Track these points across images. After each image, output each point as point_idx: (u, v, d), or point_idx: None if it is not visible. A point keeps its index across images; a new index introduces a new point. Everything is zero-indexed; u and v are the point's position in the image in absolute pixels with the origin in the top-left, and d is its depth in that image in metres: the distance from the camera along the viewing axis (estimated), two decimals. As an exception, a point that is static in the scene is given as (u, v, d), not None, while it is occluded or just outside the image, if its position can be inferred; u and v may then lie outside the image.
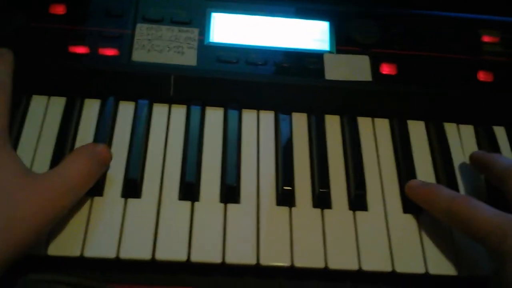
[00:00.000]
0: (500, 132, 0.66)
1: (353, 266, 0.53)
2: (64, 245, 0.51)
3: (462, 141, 0.65)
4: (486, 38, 0.67)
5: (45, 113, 0.60)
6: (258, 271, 0.54)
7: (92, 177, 0.52)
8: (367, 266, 0.54)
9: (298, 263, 0.53)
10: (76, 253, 0.51)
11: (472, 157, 0.61)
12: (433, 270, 0.54)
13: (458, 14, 0.70)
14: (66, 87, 0.61)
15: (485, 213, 0.50)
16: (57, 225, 0.51)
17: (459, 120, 0.66)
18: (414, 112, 0.65)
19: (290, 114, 0.63)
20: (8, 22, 0.61)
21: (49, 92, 0.61)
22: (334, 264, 0.53)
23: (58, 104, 0.61)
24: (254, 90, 0.63)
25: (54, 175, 0.49)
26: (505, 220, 0.49)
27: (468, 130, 0.66)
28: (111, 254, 0.51)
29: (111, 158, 0.54)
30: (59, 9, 0.63)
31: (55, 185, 0.48)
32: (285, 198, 0.56)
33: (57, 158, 0.56)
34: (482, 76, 0.65)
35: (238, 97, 0.63)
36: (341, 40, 0.66)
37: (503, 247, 0.47)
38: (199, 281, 0.53)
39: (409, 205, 0.58)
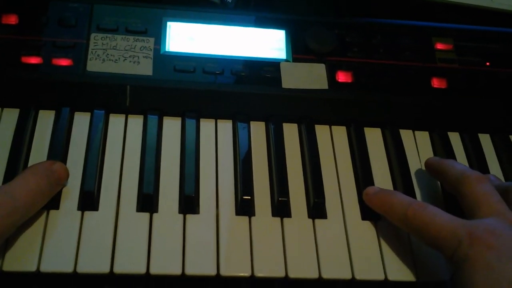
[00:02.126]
0: (454, 138, 0.67)
1: (313, 274, 0.54)
2: (19, 260, 0.50)
3: (418, 147, 0.66)
4: (439, 46, 0.69)
5: (-3, 125, 0.59)
6: (218, 282, 0.53)
7: (44, 197, 0.51)
8: (327, 274, 0.54)
9: (259, 273, 0.53)
10: (32, 268, 0.50)
11: (427, 163, 0.61)
12: (392, 277, 0.54)
13: (412, 22, 0.71)
14: (19, 98, 0.60)
15: (440, 219, 0.51)
16: (11, 239, 0.50)
17: (414, 127, 0.67)
18: (371, 119, 0.66)
19: (248, 123, 0.63)
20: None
21: (2, 103, 0.60)
22: (294, 273, 0.53)
23: (11, 115, 0.59)
24: (211, 99, 0.62)
25: (1, 192, 0.48)
26: (459, 226, 0.49)
27: (423, 136, 0.67)
28: (68, 268, 0.50)
29: (67, 176, 0.54)
30: (11, 19, 0.62)
31: (1, 203, 0.47)
32: (245, 207, 0.56)
33: (11, 171, 0.54)
34: (436, 82, 0.66)
35: (196, 107, 0.62)
36: (298, 49, 0.66)
37: (458, 253, 0.48)
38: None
39: (367, 212, 0.58)
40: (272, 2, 0.76)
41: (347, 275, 0.54)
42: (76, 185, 0.55)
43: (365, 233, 0.57)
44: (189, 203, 0.55)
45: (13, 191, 0.48)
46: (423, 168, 0.63)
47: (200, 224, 0.55)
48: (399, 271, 0.55)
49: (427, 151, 0.66)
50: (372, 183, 0.60)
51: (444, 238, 0.49)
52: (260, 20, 0.68)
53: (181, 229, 0.54)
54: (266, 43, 0.66)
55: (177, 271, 0.51)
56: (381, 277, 0.54)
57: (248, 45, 0.65)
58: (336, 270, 0.54)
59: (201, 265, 0.52)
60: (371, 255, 0.56)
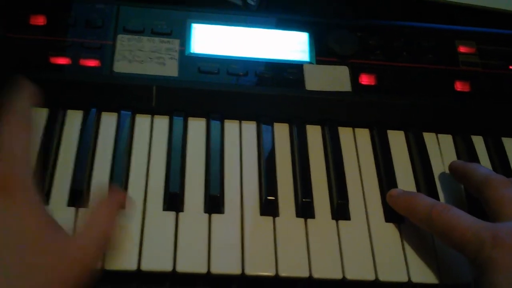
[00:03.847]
0: (478, 141, 0.67)
1: (337, 275, 0.54)
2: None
3: (441, 150, 0.66)
4: (462, 49, 0.69)
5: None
6: (243, 281, 0.54)
7: (115, 227, 0.50)
8: (350, 275, 0.54)
9: (283, 273, 0.53)
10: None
11: (451, 166, 0.62)
12: (415, 278, 0.55)
13: (435, 25, 0.71)
14: (48, 99, 0.60)
15: (463, 221, 0.51)
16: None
17: (438, 130, 0.67)
18: (394, 122, 0.66)
19: (272, 124, 0.64)
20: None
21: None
22: (318, 273, 0.53)
23: (40, 116, 0.60)
24: (235, 100, 0.63)
25: (76, 235, 0.48)
26: (483, 228, 0.49)
27: (447, 140, 0.67)
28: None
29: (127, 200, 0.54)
30: (40, 20, 0.63)
31: (77, 246, 0.46)
32: (269, 207, 0.57)
33: (40, 170, 0.55)
34: (459, 86, 0.67)
35: (220, 108, 0.63)
36: (321, 51, 0.67)
37: (481, 255, 0.48)
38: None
39: (391, 214, 0.58)
40: (294, 4, 0.76)
41: (371, 277, 0.54)
42: (104, 184, 0.56)
43: (388, 235, 0.57)
44: (214, 203, 0.56)
45: (90, 235, 0.47)
46: (447, 171, 0.63)
47: (225, 224, 0.55)
48: (423, 273, 0.55)
49: (450, 155, 0.66)
50: (396, 186, 0.61)
51: (468, 240, 0.50)
52: (283, 22, 0.68)
53: (206, 228, 0.55)
54: (290, 45, 0.67)
55: (203, 269, 0.52)
56: (404, 279, 0.54)
57: (272, 47, 0.66)
58: (359, 271, 0.54)
59: (226, 264, 0.53)
60: (395, 257, 0.56)
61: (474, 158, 0.64)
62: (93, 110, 0.61)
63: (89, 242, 0.47)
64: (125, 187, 0.56)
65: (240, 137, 0.63)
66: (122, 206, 0.52)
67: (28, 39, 0.61)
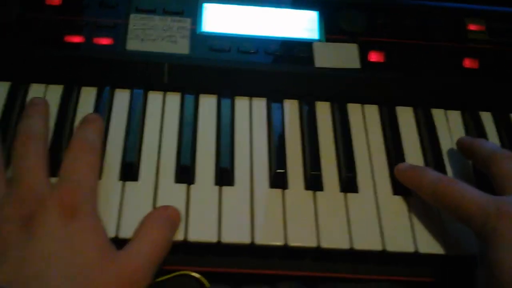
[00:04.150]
0: (486, 117, 0.68)
1: (345, 245, 0.55)
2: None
3: (449, 126, 0.66)
4: (471, 27, 0.69)
5: (43, 100, 0.61)
6: (252, 251, 0.55)
7: (169, 245, 0.51)
8: (358, 245, 0.55)
9: (292, 243, 0.54)
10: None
11: (458, 142, 0.62)
12: (422, 249, 0.55)
13: (445, 3, 0.72)
14: (63, 76, 0.62)
15: (469, 194, 0.52)
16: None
17: (446, 106, 0.68)
18: (403, 98, 0.67)
19: (281, 101, 0.65)
20: (4, 13, 0.62)
21: (47, 80, 0.63)
22: (326, 243, 0.55)
23: (56, 92, 0.62)
24: (246, 77, 0.64)
25: (129, 256, 0.48)
26: (489, 201, 0.50)
27: (455, 116, 0.67)
28: (111, 233, 0.52)
29: (180, 218, 0.54)
30: (55, 0, 0.64)
31: (132, 267, 0.47)
32: (278, 180, 0.58)
33: (55, 146, 0.57)
34: (468, 63, 0.67)
35: (231, 85, 0.64)
36: (330, 29, 0.67)
37: (486, 227, 0.49)
38: (197, 262, 0.55)
39: (398, 187, 0.59)
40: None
41: (378, 247, 0.55)
42: (118, 157, 0.58)
43: (396, 207, 0.58)
44: (224, 175, 0.57)
45: (140, 250, 0.48)
46: (455, 147, 0.63)
47: (235, 196, 0.57)
48: (429, 244, 0.56)
49: (458, 131, 0.66)
50: (404, 160, 0.61)
51: (473, 213, 0.50)
52: (293, 1, 0.69)
53: (217, 200, 0.56)
54: (299, 23, 0.68)
55: (213, 239, 0.53)
56: (411, 249, 0.55)
57: (282, 26, 0.67)
58: (367, 242, 0.55)
59: (236, 233, 0.54)
60: (402, 228, 0.57)
61: (482, 134, 0.65)
62: (107, 87, 0.62)
63: (143, 260, 0.48)
64: (138, 160, 0.58)
65: (250, 113, 0.64)
66: (173, 219, 0.53)
67: (44, 18, 0.63)
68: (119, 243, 0.49)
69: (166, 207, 0.54)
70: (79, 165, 0.50)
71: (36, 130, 0.53)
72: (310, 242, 0.55)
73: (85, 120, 0.55)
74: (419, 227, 0.57)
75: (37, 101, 0.57)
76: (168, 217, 0.52)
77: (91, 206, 0.49)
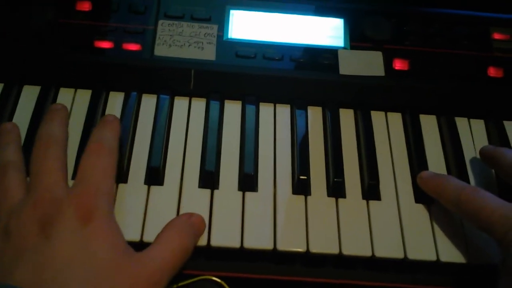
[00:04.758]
0: (510, 126, 0.67)
1: (366, 252, 0.55)
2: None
3: (473, 135, 0.67)
4: (496, 36, 0.69)
5: (72, 104, 0.63)
6: (274, 257, 0.56)
7: (189, 253, 0.51)
8: (379, 253, 0.55)
9: (313, 249, 0.55)
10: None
11: (481, 151, 0.62)
12: (444, 258, 0.56)
13: (470, 12, 0.72)
14: (91, 81, 0.64)
15: (492, 203, 0.52)
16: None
17: (470, 115, 0.68)
18: (426, 107, 0.67)
19: (305, 108, 0.65)
20: (36, 18, 0.64)
21: (76, 85, 0.64)
22: (347, 250, 0.55)
23: (84, 96, 0.63)
24: (271, 84, 0.65)
25: (148, 259, 0.48)
26: (510, 210, 0.50)
27: (479, 125, 0.68)
28: (135, 236, 0.53)
29: (205, 226, 0.55)
30: (85, 6, 0.66)
31: (149, 271, 0.47)
32: (301, 186, 0.58)
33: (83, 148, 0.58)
34: (492, 71, 0.67)
35: (256, 91, 0.65)
36: (355, 37, 0.68)
37: (507, 236, 0.49)
38: (218, 267, 0.55)
39: (420, 195, 0.60)
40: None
41: (400, 255, 0.56)
42: (143, 161, 0.59)
43: (418, 215, 0.59)
44: (248, 181, 0.58)
45: (158, 256, 0.49)
46: (478, 156, 0.63)
47: (258, 201, 0.57)
48: (451, 253, 0.56)
49: (482, 139, 0.66)
50: (426, 168, 0.62)
51: (495, 222, 0.50)
52: (319, 8, 0.70)
53: (240, 205, 0.57)
54: (324, 31, 0.68)
55: (236, 244, 0.54)
56: (433, 258, 0.56)
57: (307, 33, 0.68)
58: (389, 249, 0.56)
59: (258, 239, 0.55)
60: (424, 236, 0.57)
61: (506, 143, 0.65)
62: (134, 92, 0.64)
63: (161, 265, 0.48)
64: (163, 164, 0.59)
65: (275, 119, 0.64)
66: (197, 227, 0.54)
67: (74, 24, 0.64)
68: (143, 246, 0.50)
69: (190, 214, 0.54)
70: (95, 167, 0.51)
71: (56, 134, 0.54)
72: (332, 249, 0.55)
73: (102, 121, 0.57)
74: (441, 235, 0.57)
75: (56, 106, 0.58)
76: (191, 224, 0.53)
77: (107, 208, 0.49)
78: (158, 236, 0.51)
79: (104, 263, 0.46)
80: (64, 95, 0.63)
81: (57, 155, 0.53)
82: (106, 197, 0.50)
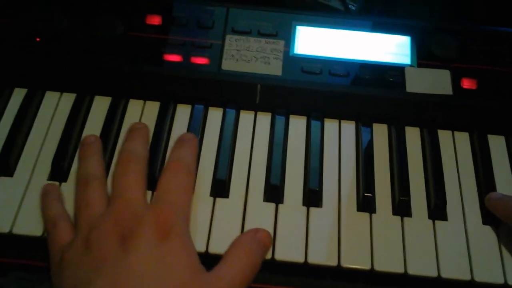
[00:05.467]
0: None
1: (432, 273, 0.55)
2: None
3: (543, 156, 0.65)
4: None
5: (140, 116, 0.64)
6: (338, 273, 0.55)
7: (257, 269, 0.51)
8: (446, 274, 0.55)
9: (378, 267, 0.54)
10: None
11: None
12: (512, 281, 0.55)
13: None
14: (159, 93, 0.65)
15: None
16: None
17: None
18: (494, 127, 0.66)
19: (371, 125, 0.65)
20: (108, 31, 0.65)
21: (145, 97, 0.66)
22: (413, 270, 0.54)
23: (153, 108, 0.65)
24: (336, 100, 0.65)
25: (218, 279, 0.48)
26: None
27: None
28: (201, 247, 0.54)
29: (271, 241, 0.54)
30: (155, 20, 0.67)
31: None
32: (366, 204, 0.58)
33: (152, 161, 0.59)
34: None
35: (321, 106, 0.65)
36: (422, 55, 0.67)
37: None
38: (283, 281, 0.56)
39: (488, 217, 0.59)
40: (395, 8, 0.77)
41: (466, 276, 0.55)
42: (209, 173, 0.59)
43: (485, 237, 0.57)
44: (312, 197, 0.58)
45: (227, 276, 0.49)
46: None
47: (322, 217, 0.57)
48: (520, 276, 0.55)
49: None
50: (495, 189, 0.60)
51: None
52: (385, 26, 0.70)
53: (304, 220, 0.57)
54: (391, 48, 0.68)
55: (300, 259, 0.54)
56: (500, 280, 0.55)
57: (373, 50, 0.68)
58: (455, 271, 0.55)
59: (322, 255, 0.55)
60: (491, 258, 0.56)
61: None
62: (201, 105, 0.65)
63: (231, 283, 0.48)
64: (229, 177, 0.59)
65: (339, 135, 0.64)
66: (264, 243, 0.53)
67: (144, 37, 0.66)
68: (208, 257, 0.51)
69: (256, 230, 0.54)
70: (174, 185, 0.53)
71: (137, 152, 0.56)
72: (397, 268, 0.55)
73: (180, 140, 0.58)
74: (509, 258, 0.56)
75: (139, 125, 0.60)
76: (258, 241, 0.53)
77: (184, 227, 0.51)
78: (226, 254, 0.51)
79: (179, 280, 0.47)
80: (134, 107, 0.65)
81: (137, 171, 0.54)
82: (183, 216, 0.51)
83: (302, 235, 0.56)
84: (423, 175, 0.62)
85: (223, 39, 0.67)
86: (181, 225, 0.50)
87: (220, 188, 0.58)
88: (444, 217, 0.59)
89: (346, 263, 0.54)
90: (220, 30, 0.67)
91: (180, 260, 0.48)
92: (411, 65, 0.66)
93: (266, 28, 0.68)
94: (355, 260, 0.55)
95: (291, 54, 0.66)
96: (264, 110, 0.65)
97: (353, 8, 0.76)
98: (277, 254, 0.54)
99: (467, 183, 0.62)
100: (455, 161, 0.64)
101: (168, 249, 0.48)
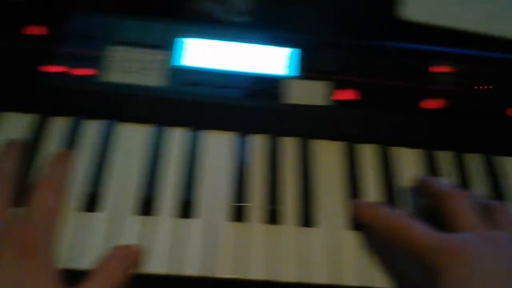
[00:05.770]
0: (472, 159, 0.70)
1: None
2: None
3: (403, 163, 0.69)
4: (436, 69, 0.72)
5: (16, 130, 0.65)
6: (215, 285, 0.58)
7: (123, 283, 0.51)
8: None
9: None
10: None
11: (417, 181, 0.65)
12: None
13: (415, 45, 0.74)
14: (38, 105, 0.65)
15: (419, 231, 0.54)
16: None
17: (405, 144, 0.70)
18: (368, 136, 0.69)
19: (250, 135, 0.67)
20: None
21: (21, 109, 0.66)
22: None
23: (29, 120, 0.65)
24: (215, 111, 0.67)
25: None
26: (435, 238, 0.52)
27: (412, 154, 0.70)
28: (69, 264, 0.56)
29: (141, 256, 0.55)
30: (38, 30, 0.67)
31: None
32: (237, 214, 0.61)
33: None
34: (428, 103, 0.70)
35: (200, 117, 0.67)
36: (303, 67, 0.70)
37: (432, 263, 0.51)
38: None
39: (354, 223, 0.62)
40: (280, 21, 0.79)
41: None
42: (83, 188, 0.61)
43: (352, 242, 0.61)
44: (186, 208, 0.61)
45: None
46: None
47: (196, 228, 0.60)
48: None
49: (411, 168, 0.69)
50: (361, 196, 0.64)
51: (420, 248, 0.53)
52: (268, 38, 0.72)
53: (178, 232, 0.59)
54: (273, 60, 0.70)
55: (175, 271, 0.57)
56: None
57: (255, 61, 0.70)
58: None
59: (196, 266, 0.57)
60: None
61: (435, 173, 0.68)
62: (80, 118, 0.66)
63: None
64: (102, 192, 0.61)
65: (217, 146, 0.66)
66: (132, 258, 0.54)
67: (23, 48, 0.66)
68: (76, 274, 0.51)
69: (125, 247, 0.54)
70: (41, 203, 0.52)
71: (5, 168, 0.55)
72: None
73: (55, 155, 0.57)
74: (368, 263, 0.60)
75: (11, 141, 0.59)
76: (126, 256, 0.53)
77: (48, 246, 0.50)
78: (92, 270, 0.51)
79: None
80: (10, 121, 0.65)
81: (4, 189, 0.53)
82: (47, 234, 0.51)
83: (176, 247, 0.58)
84: (294, 185, 0.65)
85: (107, 50, 0.67)
86: (44, 245, 0.50)
87: (92, 202, 0.59)
88: (311, 224, 0.62)
89: (221, 274, 0.57)
90: (104, 40, 0.68)
91: (40, 281, 0.48)
92: (292, 77, 0.69)
93: (150, 40, 0.69)
94: (232, 269, 0.57)
95: (174, 65, 0.68)
96: (143, 121, 0.67)
97: (240, 20, 0.78)
98: (149, 267, 0.56)
99: (336, 191, 0.65)
100: (327, 170, 0.67)
101: (29, 269, 0.48)
